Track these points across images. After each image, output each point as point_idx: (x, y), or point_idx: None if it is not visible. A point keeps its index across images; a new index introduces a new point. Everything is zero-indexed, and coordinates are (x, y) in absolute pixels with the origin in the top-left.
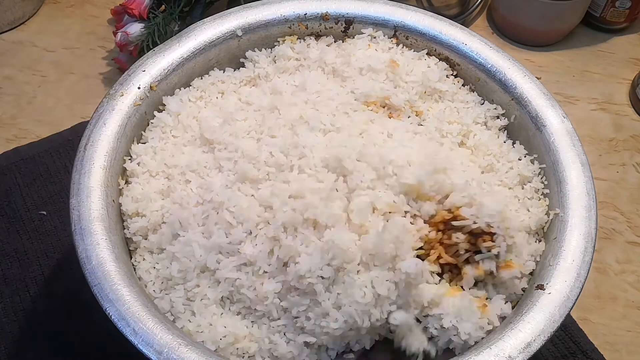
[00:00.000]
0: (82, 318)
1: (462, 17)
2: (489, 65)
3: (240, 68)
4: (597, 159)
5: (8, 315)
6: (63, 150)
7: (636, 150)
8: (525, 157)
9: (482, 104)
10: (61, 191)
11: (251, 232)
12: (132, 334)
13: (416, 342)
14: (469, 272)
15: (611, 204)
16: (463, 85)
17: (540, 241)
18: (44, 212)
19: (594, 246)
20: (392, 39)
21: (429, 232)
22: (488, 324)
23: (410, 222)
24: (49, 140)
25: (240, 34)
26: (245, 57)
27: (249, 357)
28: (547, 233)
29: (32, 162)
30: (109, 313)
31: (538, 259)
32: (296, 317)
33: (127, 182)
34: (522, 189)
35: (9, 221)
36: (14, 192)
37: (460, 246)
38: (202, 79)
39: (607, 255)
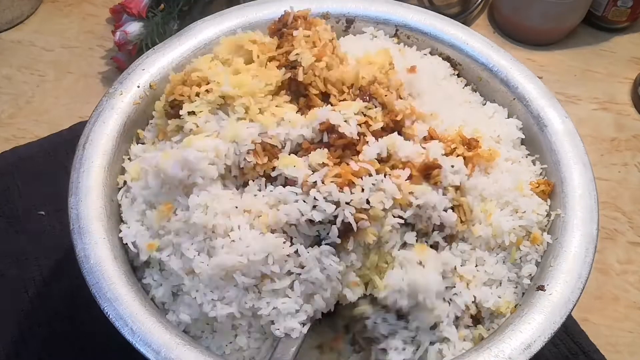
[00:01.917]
0: (81, 318)
1: (463, 16)
2: (491, 65)
3: None
4: (598, 158)
5: (7, 315)
6: (62, 150)
7: (638, 150)
8: (527, 157)
9: (484, 104)
10: (60, 191)
11: None
12: (130, 333)
13: None
14: None
15: (613, 204)
16: (465, 85)
17: None
18: (43, 213)
19: (596, 247)
20: (393, 37)
21: None
22: None
23: None
24: (48, 140)
25: (240, 32)
26: None
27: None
28: (549, 233)
29: (30, 162)
30: (106, 312)
31: None
32: None
33: (125, 183)
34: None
35: (8, 221)
36: (12, 192)
37: None
38: None
39: (608, 256)
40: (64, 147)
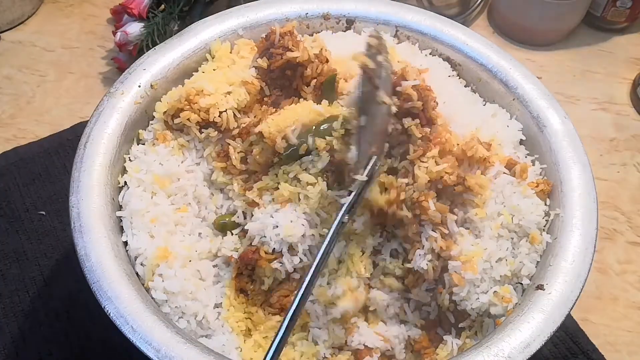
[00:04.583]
0: (81, 318)
1: (462, 16)
2: (491, 66)
3: None
4: (597, 158)
5: (7, 315)
6: (62, 150)
7: (637, 150)
8: (526, 157)
9: (484, 104)
10: (60, 191)
11: None
12: (130, 331)
13: None
14: None
15: (612, 204)
16: (465, 86)
17: None
18: (43, 212)
19: (595, 247)
20: (393, 38)
21: None
22: None
23: None
24: (48, 140)
25: (241, 33)
26: None
27: None
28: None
29: (31, 162)
30: (107, 310)
31: None
32: None
33: (126, 184)
34: None
35: (8, 221)
36: (13, 192)
37: None
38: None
39: (608, 256)
40: (64, 147)
